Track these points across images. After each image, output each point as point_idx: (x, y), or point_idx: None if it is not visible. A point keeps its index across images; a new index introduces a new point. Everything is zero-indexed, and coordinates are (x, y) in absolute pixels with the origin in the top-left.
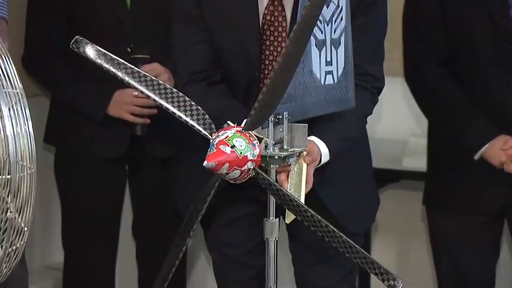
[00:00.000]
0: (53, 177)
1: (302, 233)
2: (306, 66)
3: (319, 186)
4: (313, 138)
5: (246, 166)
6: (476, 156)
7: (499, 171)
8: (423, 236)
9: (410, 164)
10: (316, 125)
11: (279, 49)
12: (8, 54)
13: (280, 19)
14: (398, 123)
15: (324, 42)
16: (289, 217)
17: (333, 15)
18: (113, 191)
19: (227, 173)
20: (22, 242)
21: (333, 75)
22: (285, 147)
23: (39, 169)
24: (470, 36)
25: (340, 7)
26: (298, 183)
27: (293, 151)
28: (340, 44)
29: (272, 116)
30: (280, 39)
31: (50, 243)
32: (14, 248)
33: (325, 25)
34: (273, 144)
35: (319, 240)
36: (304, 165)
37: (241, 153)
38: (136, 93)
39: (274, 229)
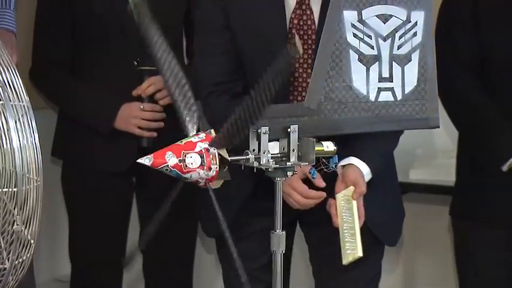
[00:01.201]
0: (60, 190)
1: (323, 245)
2: (336, 82)
3: None
4: (353, 160)
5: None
6: (504, 168)
7: None
8: (431, 248)
9: (417, 176)
10: (356, 143)
11: (309, 52)
12: (15, 67)
13: (309, 22)
14: (404, 135)
15: (376, 57)
16: (346, 258)
17: (395, 31)
18: (120, 203)
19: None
20: (29, 255)
21: (393, 92)
22: (292, 160)
23: (47, 182)
24: (502, 47)
25: (413, 22)
26: (351, 221)
27: (292, 164)
28: (410, 61)
29: (267, 127)
30: (310, 42)
31: (57, 256)
32: (20, 260)
33: (380, 40)
34: (272, 157)
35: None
36: (354, 203)
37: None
38: (142, 107)
39: (281, 241)
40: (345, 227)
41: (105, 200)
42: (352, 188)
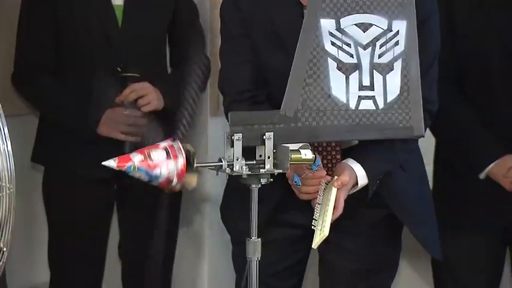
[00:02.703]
0: (38, 196)
1: (334, 259)
2: (314, 90)
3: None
4: (349, 161)
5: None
6: (482, 176)
7: (504, 191)
8: (407, 256)
9: None
10: (357, 148)
11: None
12: None
13: None
14: None
15: (356, 66)
16: (314, 240)
17: (376, 40)
18: (101, 211)
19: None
20: (1, 263)
21: (375, 100)
22: (267, 167)
23: (26, 188)
24: (479, 56)
25: (395, 31)
26: (324, 207)
27: (266, 171)
28: (392, 70)
29: (240, 134)
30: None
31: (33, 264)
32: None
33: (360, 49)
34: (246, 164)
35: (354, 266)
36: (334, 190)
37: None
38: (127, 112)
39: (256, 249)
40: (318, 210)
41: (86, 207)
42: (335, 177)
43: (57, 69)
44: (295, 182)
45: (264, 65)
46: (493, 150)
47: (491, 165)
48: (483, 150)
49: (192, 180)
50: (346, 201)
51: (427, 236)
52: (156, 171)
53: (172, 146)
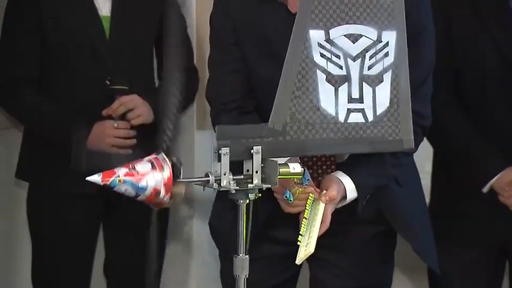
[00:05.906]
0: (21, 213)
1: (326, 278)
2: (303, 102)
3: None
4: (338, 173)
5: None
6: (485, 189)
7: (502, 206)
8: (404, 272)
9: None
10: (348, 161)
11: None
12: None
13: None
14: None
15: (345, 78)
16: (299, 256)
17: (365, 51)
18: (87, 228)
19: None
20: None
21: (364, 113)
22: (255, 182)
23: (9, 205)
24: (476, 65)
25: (384, 42)
26: (311, 222)
27: (254, 187)
28: (382, 82)
29: (227, 148)
30: None
31: (17, 282)
32: None
33: (349, 60)
34: (234, 179)
35: (346, 284)
36: (322, 205)
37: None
38: (116, 125)
39: (244, 266)
40: (305, 225)
41: (72, 225)
42: (324, 191)
43: (42, 82)
44: (286, 196)
45: (254, 74)
46: (497, 161)
47: (496, 177)
48: (486, 162)
49: (181, 189)
50: (338, 217)
51: (426, 250)
52: (143, 183)
53: (156, 158)
